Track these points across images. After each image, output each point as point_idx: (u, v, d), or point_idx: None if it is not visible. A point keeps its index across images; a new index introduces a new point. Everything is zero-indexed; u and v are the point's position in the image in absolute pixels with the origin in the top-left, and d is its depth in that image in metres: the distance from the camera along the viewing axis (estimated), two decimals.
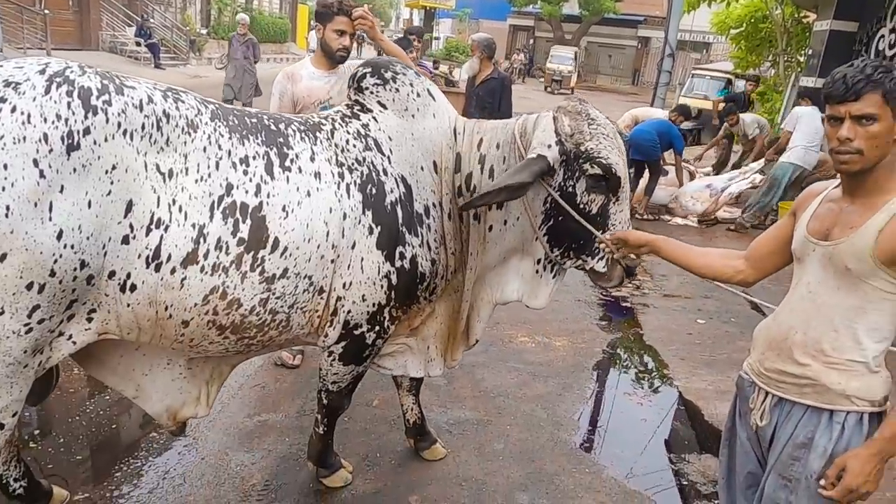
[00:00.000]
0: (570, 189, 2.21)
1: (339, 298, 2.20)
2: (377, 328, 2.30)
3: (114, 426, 3.08)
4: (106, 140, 1.73)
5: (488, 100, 5.64)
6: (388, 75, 2.33)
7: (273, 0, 30.71)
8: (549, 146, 2.17)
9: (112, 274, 1.80)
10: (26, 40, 14.39)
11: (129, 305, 1.85)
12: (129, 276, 1.82)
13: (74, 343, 1.87)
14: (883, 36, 8.81)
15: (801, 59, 11.38)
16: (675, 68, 13.91)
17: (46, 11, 14.92)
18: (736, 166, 9.37)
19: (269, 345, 2.22)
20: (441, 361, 2.63)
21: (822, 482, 1.61)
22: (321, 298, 2.16)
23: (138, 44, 17.97)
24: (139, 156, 1.79)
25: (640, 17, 34.93)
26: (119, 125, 1.76)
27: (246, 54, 7.86)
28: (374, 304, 2.24)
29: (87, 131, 1.70)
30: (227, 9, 23.53)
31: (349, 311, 2.22)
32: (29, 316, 1.70)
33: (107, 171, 1.73)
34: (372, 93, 2.33)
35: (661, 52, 12.99)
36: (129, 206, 1.78)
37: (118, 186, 1.75)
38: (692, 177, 8.60)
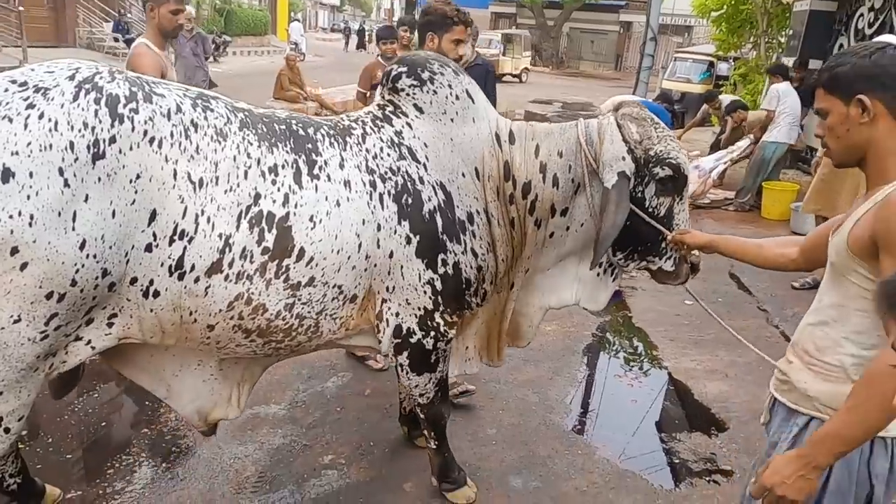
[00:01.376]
0: (640, 194, 2.22)
1: (384, 301, 2.19)
2: (433, 333, 2.26)
3: (104, 424, 3.06)
4: (131, 149, 1.72)
5: None
6: (426, 75, 2.21)
7: None
8: (624, 158, 2.15)
9: (134, 280, 1.80)
10: (1, 38, 14.15)
11: (151, 311, 1.85)
12: (151, 282, 1.81)
13: (93, 348, 1.86)
14: (862, 15, 8.85)
15: (782, 40, 11.43)
16: (657, 52, 13.93)
17: (21, 8, 14.66)
18: (715, 146, 9.41)
19: (299, 349, 2.20)
20: (478, 360, 2.63)
21: (753, 479, 1.55)
22: (353, 305, 2.14)
23: (116, 39, 17.71)
24: (167, 164, 1.77)
25: (621, 2, 34.91)
26: (145, 133, 1.75)
27: (195, 50, 7.59)
28: (420, 308, 2.21)
29: (112, 140, 1.69)
30: (205, 2, 23.25)
31: (397, 314, 2.21)
32: (46, 323, 1.70)
33: (131, 181, 1.72)
34: (408, 94, 2.23)
35: (644, 37, 12.99)
36: (153, 216, 1.77)
37: (142, 195, 1.74)
38: None
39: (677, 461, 3.13)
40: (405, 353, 2.29)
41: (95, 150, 1.66)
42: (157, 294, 1.82)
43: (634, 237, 2.27)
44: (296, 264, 1.95)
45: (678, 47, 24.29)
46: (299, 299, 2.00)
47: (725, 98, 9.40)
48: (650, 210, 2.24)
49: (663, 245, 2.30)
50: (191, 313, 1.88)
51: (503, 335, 2.56)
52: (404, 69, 2.24)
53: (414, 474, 2.83)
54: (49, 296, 1.66)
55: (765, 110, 7.48)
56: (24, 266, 1.60)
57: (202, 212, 1.81)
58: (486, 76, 5.73)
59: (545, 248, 2.38)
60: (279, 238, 1.91)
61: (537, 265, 2.44)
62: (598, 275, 2.44)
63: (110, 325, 1.85)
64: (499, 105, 3.47)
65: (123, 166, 1.71)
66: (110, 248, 1.70)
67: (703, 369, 4.04)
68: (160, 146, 1.77)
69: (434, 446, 2.58)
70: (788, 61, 9.69)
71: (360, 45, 34.72)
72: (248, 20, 26.05)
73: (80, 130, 1.65)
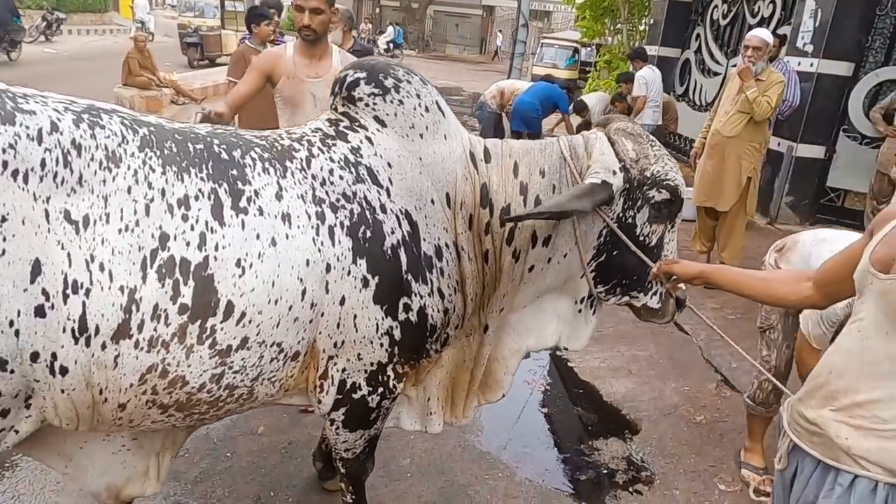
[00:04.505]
0: (630, 220, 1.95)
1: (330, 358, 1.81)
2: (381, 389, 1.90)
3: None
4: None
5: None
6: (390, 83, 1.84)
7: None
8: (615, 172, 1.87)
9: (35, 356, 1.42)
10: None
11: (63, 391, 1.48)
12: (54, 356, 1.43)
13: (17, 432, 1.54)
14: (717, 6, 9.38)
15: (643, 28, 11.92)
16: (528, 38, 14.11)
17: None
18: None
19: (227, 415, 1.83)
20: (441, 416, 2.21)
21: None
22: (295, 363, 1.75)
23: None
24: (37, 202, 1.39)
25: None
26: (5, 165, 1.35)
27: None
28: (372, 364, 1.85)
29: None
30: None
31: (344, 370, 1.83)
32: None
33: None
34: (368, 105, 1.85)
35: (516, 22, 13.08)
36: (37, 268, 1.38)
37: (14, 243, 1.35)
38: None
39: (599, 473, 3.02)
40: (342, 410, 1.92)
41: None
42: (64, 370, 1.45)
43: (620, 269, 2.00)
44: (223, 324, 1.56)
45: (540, 33, 24.96)
46: (230, 367, 1.61)
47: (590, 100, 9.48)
48: (641, 238, 1.97)
49: (650, 280, 2.03)
50: (101, 391, 1.50)
51: (474, 387, 2.19)
52: (362, 75, 1.86)
53: None
54: None
55: (638, 96, 7.68)
56: None
57: (92, 257, 1.43)
58: None
59: (523, 283, 2.03)
60: (198, 291, 1.52)
61: (513, 303, 2.09)
62: (579, 310, 2.15)
63: (28, 406, 1.50)
64: None
65: None
66: None
67: (607, 367, 4.00)
68: (26, 180, 1.38)
69: (350, 501, 2.25)
70: (650, 49, 10.10)
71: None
72: None
73: None
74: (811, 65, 6.63)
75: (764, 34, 4.89)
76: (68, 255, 1.41)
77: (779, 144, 6.85)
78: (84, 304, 1.42)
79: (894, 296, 1.32)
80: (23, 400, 1.48)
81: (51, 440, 1.75)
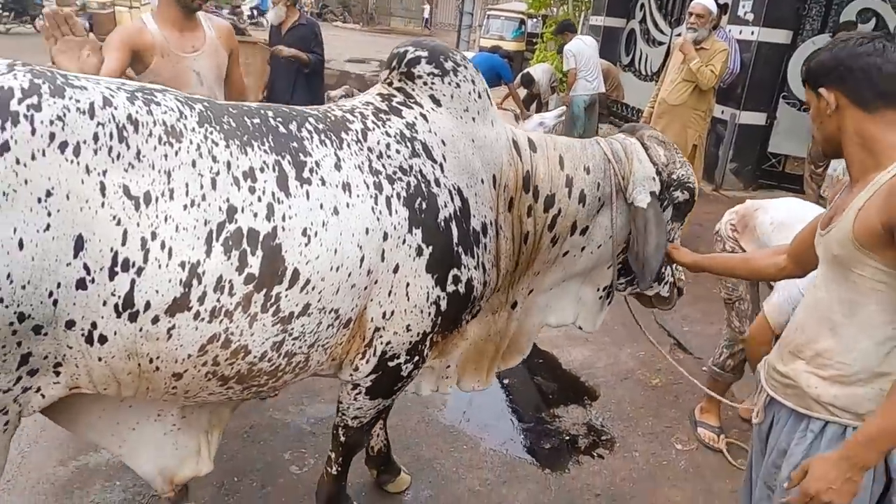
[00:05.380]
0: None
1: (377, 329, 1.84)
2: (416, 358, 1.96)
3: None
4: (34, 158, 1.33)
5: (298, 48, 5.10)
6: (449, 65, 1.92)
7: None
8: (654, 178, 2.11)
9: (71, 324, 1.43)
10: None
11: (100, 359, 1.49)
12: (94, 325, 1.44)
13: (44, 396, 1.53)
14: None
15: None
16: (475, 10, 13.98)
17: None
18: (539, 107, 9.66)
19: (279, 388, 1.86)
20: (455, 379, 2.33)
21: (786, 485, 1.51)
22: (346, 330, 1.79)
23: None
24: (90, 176, 1.38)
25: None
26: (53, 137, 1.34)
27: None
28: (418, 334, 1.89)
29: (4, 148, 1.30)
30: None
31: (388, 343, 1.87)
32: None
33: (40, 200, 1.33)
34: (426, 83, 1.92)
35: None
36: (80, 243, 1.37)
37: (59, 218, 1.35)
38: (517, 118, 8.75)
39: (561, 439, 3.08)
40: (373, 377, 1.94)
41: None
42: (103, 339, 1.46)
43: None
44: (288, 291, 1.59)
45: (485, 4, 24.77)
46: (290, 334, 1.65)
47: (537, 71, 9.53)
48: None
49: (664, 271, 2.28)
50: (151, 360, 1.52)
51: (498, 356, 2.33)
52: (424, 54, 1.93)
53: None
54: None
55: (569, 70, 7.68)
56: None
57: (153, 235, 1.43)
58: (314, 35, 5.30)
59: (554, 266, 2.19)
60: (266, 260, 1.55)
61: (542, 285, 2.24)
62: (599, 297, 2.34)
63: (57, 373, 1.50)
64: None
65: (25, 181, 1.31)
66: (23, 288, 1.33)
67: (564, 335, 4.06)
68: (77, 153, 1.37)
69: (335, 472, 2.24)
70: (597, 19, 10.17)
71: None
72: None
73: None
74: (752, 33, 6.79)
75: (708, 2, 4.97)
76: (124, 231, 1.41)
77: (722, 112, 7.03)
78: (133, 281, 1.42)
79: (830, 246, 1.48)
80: (52, 364, 1.48)
81: (104, 422, 1.81)
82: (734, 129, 7.06)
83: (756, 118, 7.11)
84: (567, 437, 3.10)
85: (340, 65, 13.19)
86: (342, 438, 2.17)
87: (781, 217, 2.63)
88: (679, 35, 5.31)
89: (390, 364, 1.92)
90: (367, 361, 1.89)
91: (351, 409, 2.06)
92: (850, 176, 1.51)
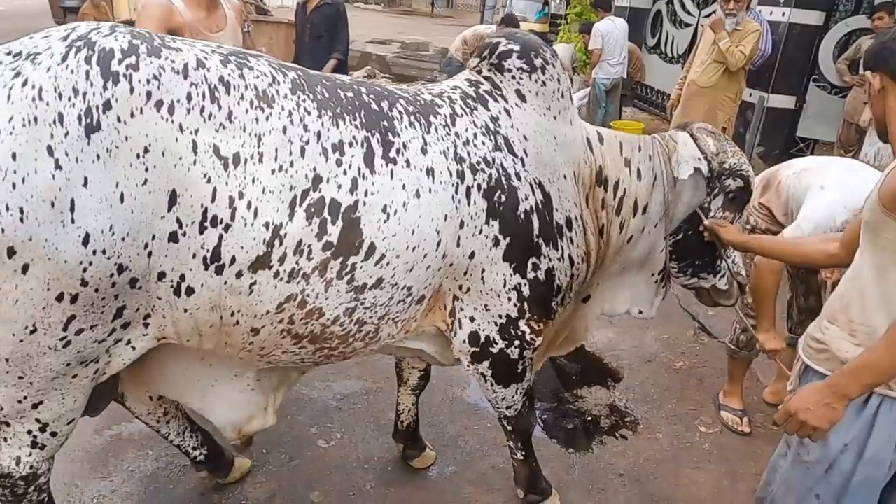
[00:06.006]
0: (707, 205, 2.21)
1: (455, 298, 1.94)
2: (517, 342, 2.02)
3: None
4: (132, 115, 1.40)
5: (324, 28, 5.09)
6: (539, 62, 1.95)
7: None
8: (700, 159, 2.15)
9: (162, 275, 1.51)
10: None
11: (186, 310, 1.58)
12: (183, 278, 1.52)
13: (134, 348, 1.63)
14: None
15: None
16: None
17: None
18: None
19: (351, 355, 1.94)
20: None
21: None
22: (419, 307, 1.89)
23: None
24: (183, 134, 1.45)
25: None
26: (149, 95, 1.42)
27: None
28: (501, 317, 1.97)
29: (107, 106, 1.38)
30: None
31: (472, 319, 1.97)
32: (64, 329, 1.46)
33: (139, 156, 1.41)
34: (514, 77, 1.95)
35: None
36: (174, 197, 1.46)
37: (155, 174, 1.43)
38: None
39: (584, 420, 3.10)
40: (486, 364, 2.06)
41: (88, 120, 1.36)
42: (190, 291, 1.54)
43: (692, 248, 2.26)
44: (363, 263, 1.66)
45: None
46: (362, 303, 1.73)
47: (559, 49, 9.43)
48: None
49: (719, 262, 2.30)
50: (232, 314, 1.61)
51: (555, 344, 2.40)
52: (516, 48, 1.96)
53: (320, 480, 2.53)
54: (60, 298, 1.41)
55: (593, 49, 7.59)
56: (25, 268, 1.36)
57: (240, 195, 1.49)
58: (339, 16, 5.28)
59: (618, 255, 2.24)
60: (345, 231, 1.62)
61: (606, 275, 2.30)
62: (655, 281, 2.37)
63: (146, 325, 1.60)
64: None
65: (126, 138, 1.39)
66: (122, 239, 1.42)
67: None
68: (171, 111, 1.44)
69: (521, 457, 2.36)
70: (623, 0, 10.00)
71: None
72: None
73: (69, 98, 1.35)
74: (783, 14, 6.65)
75: None
76: (213, 189, 1.47)
77: (750, 95, 6.90)
78: (221, 236, 1.49)
79: (867, 208, 1.55)
80: (142, 317, 1.56)
81: (187, 379, 1.94)
82: (762, 112, 6.94)
83: (785, 101, 6.98)
84: (590, 418, 3.11)
85: (362, 46, 13.14)
86: (509, 428, 2.29)
87: (804, 164, 2.70)
88: (708, 16, 5.21)
89: (492, 350, 2.01)
90: (455, 333, 1.99)
91: (497, 401, 2.18)
92: (894, 153, 1.57)
